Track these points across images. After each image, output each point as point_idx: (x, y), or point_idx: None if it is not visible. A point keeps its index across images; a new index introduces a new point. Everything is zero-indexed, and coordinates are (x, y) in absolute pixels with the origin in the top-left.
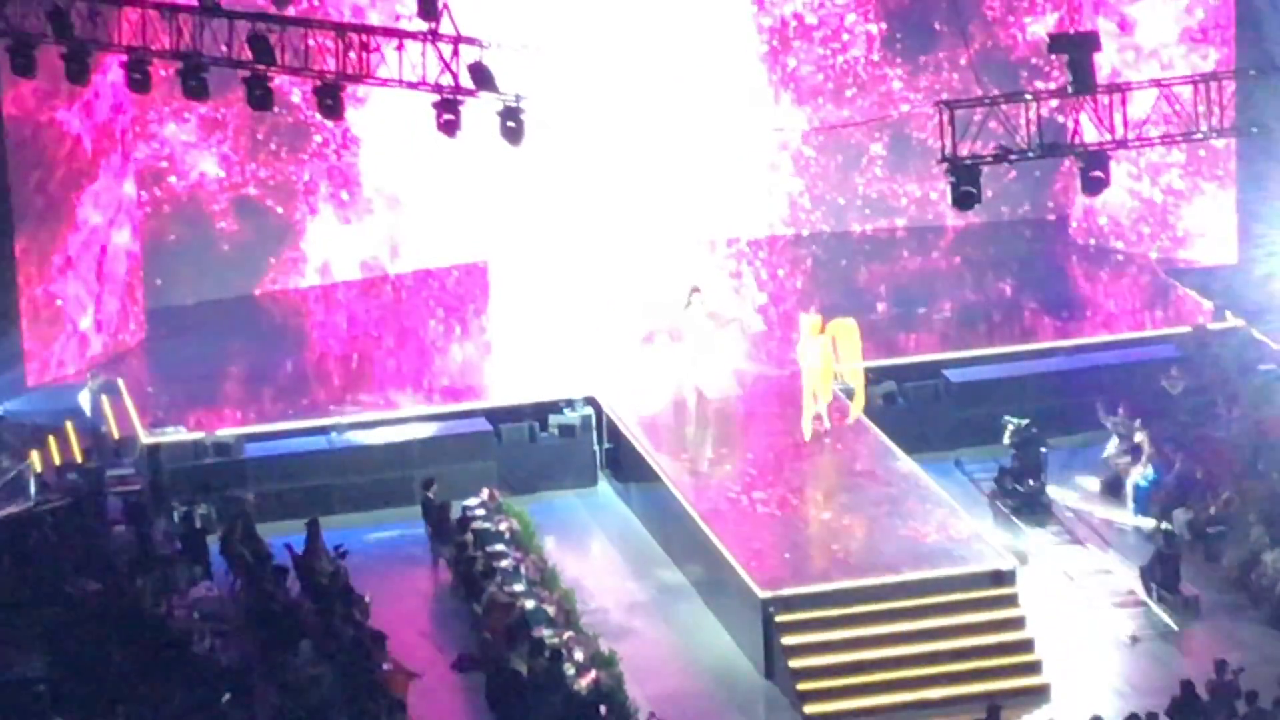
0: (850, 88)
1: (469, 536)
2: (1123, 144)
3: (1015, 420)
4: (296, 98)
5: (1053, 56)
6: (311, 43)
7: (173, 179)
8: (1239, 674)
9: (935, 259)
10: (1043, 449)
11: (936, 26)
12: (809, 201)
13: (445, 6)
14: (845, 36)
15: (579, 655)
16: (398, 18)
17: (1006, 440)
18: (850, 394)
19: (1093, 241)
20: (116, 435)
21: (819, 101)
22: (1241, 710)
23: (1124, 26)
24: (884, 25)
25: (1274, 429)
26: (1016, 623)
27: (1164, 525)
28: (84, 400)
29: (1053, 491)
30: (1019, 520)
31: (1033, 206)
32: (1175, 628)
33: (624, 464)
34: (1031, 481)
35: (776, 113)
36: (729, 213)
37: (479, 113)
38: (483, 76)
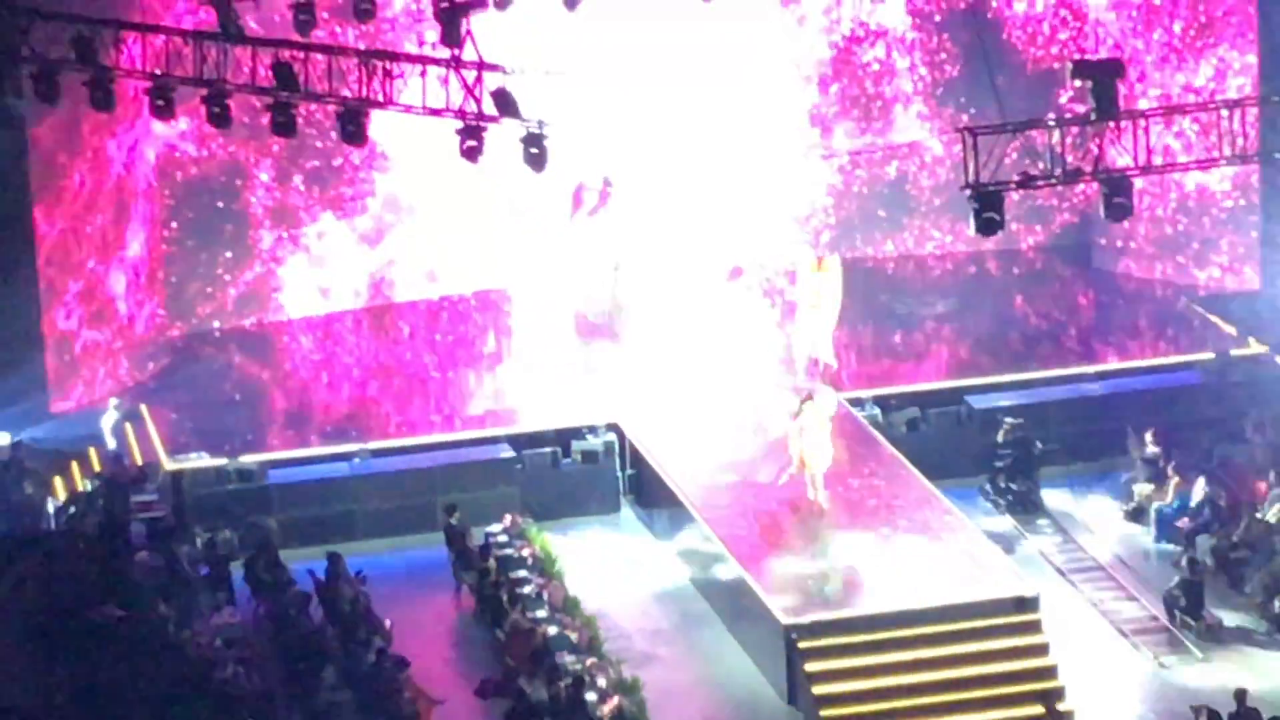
0: (878, 117)
1: (491, 563)
2: (1146, 170)
3: (1009, 420)
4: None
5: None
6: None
7: (188, 213)
8: (1244, 695)
9: (960, 283)
10: (1035, 448)
11: (964, 55)
12: (835, 228)
13: (468, 33)
14: (875, 67)
15: (601, 682)
16: (421, 44)
17: (1000, 439)
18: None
19: (1116, 266)
20: (139, 461)
21: (847, 128)
22: None
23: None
24: (916, 57)
25: None
26: (1039, 649)
27: (1187, 551)
28: (106, 426)
29: (1077, 517)
30: (1011, 517)
31: (1054, 231)
32: (1198, 654)
33: (647, 490)
34: (1024, 480)
35: (803, 139)
36: (754, 238)
37: (502, 138)
38: (506, 103)
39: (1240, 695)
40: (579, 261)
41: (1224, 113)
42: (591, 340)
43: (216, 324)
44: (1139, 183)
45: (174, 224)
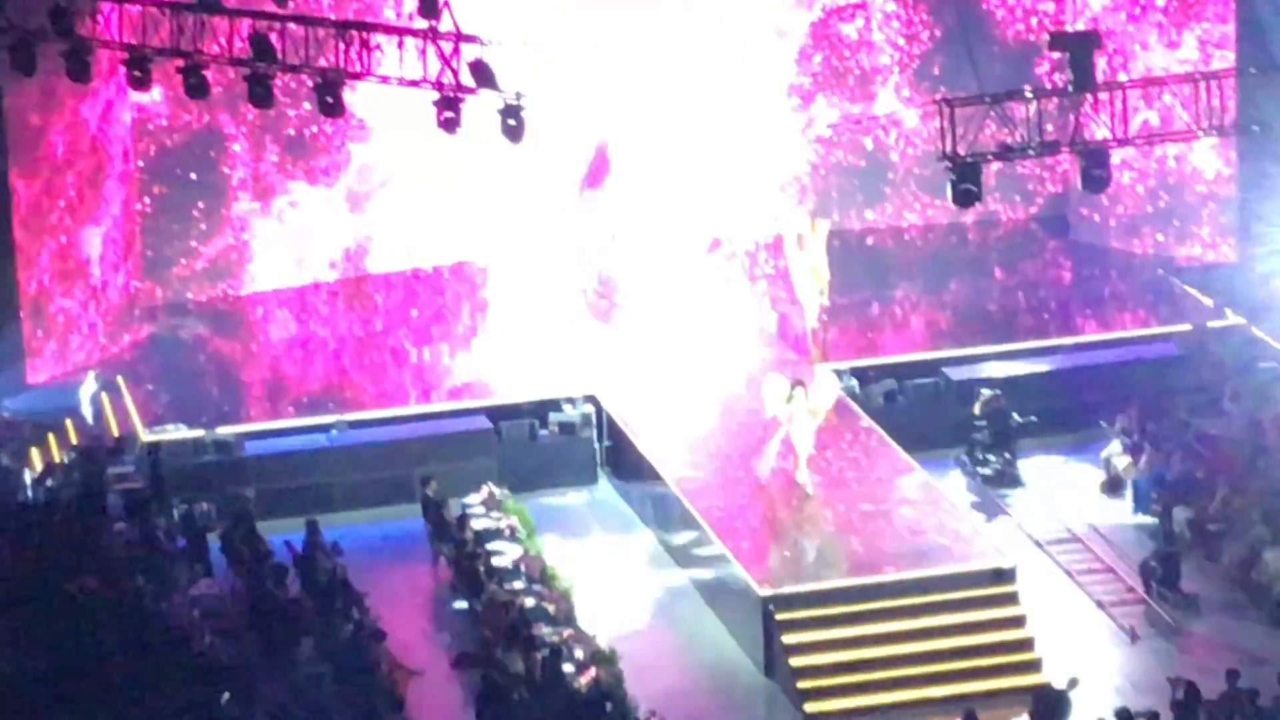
0: (857, 89)
1: (469, 534)
2: (1124, 142)
3: (986, 390)
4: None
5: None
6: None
7: (162, 181)
8: (1236, 676)
9: (938, 255)
10: (1012, 420)
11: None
12: (814, 200)
13: (446, 4)
14: (854, 37)
15: (579, 653)
16: (399, 14)
17: (977, 410)
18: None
19: (1096, 239)
20: (116, 433)
21: (827, 100)
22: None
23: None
24: (894, 28)
25: (1274, 427)
26: (1016, 621)
27: (1164, 523)
28: (84, 398)
29: (1054, 489)
30: (988, 488)
31: (1034, 204)
32: (1175, 625)
33: (624, 462)
34: (1002, 452)
35: (782, 111)
36: (732, 212)
37: (480, 110)
38: (483, 74)
39: (1232, 675)
40: (565, 234)
41: (1202, 85)
42: (605, 317)
43: (191, 294)
44: (1116, 157)
45: (148, 194)
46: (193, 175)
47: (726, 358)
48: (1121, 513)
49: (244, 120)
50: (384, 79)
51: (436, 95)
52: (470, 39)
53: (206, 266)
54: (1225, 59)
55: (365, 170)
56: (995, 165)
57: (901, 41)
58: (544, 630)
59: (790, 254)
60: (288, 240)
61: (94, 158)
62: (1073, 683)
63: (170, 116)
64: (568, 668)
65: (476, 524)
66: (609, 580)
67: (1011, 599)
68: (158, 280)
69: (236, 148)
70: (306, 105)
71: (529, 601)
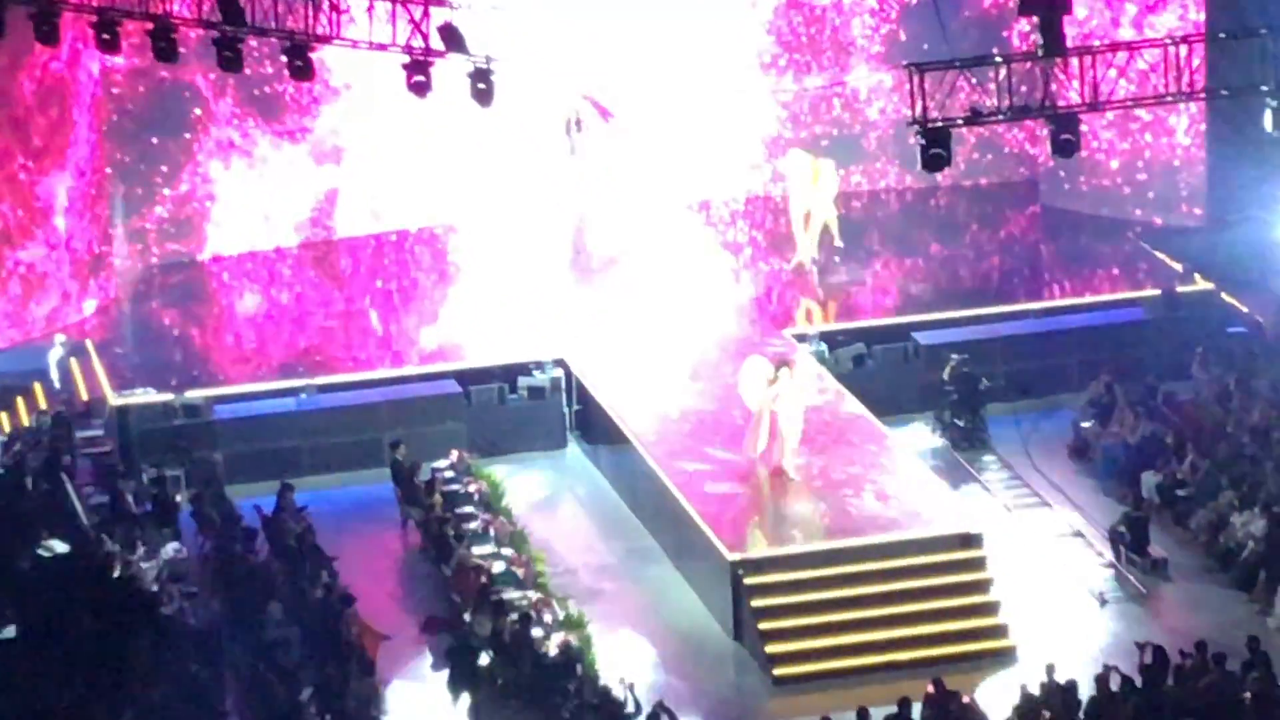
0: (829, 53)
1: (438, 498)
2: (1094, 106)
3: (954, 356)
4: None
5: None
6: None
7: (129, 142)
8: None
9: (907, 219)
10: (980, 384)
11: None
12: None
13: None
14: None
15: (548, 617)
16: None
17: (945, 376)
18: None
19: (1066, 204)
20: (85, 397)
21: (798, 65)
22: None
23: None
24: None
25: (1242, 392)
26: (984, 585)
27: (1132, 488)
28: (52, 361)
29: (1022, 453)
30: (958, 454)
31: (1004, 168)
32: (1143, 590)
33: (593, 426)
34: (970, 416)
35: (754, 77)
36: (706, 175)
37: (450, 73)
38: (453, 38)
39: (1201, 647)
40: (534, 197)
41: (1172, 50)
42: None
43: (157, 256)
44: (1083, 127)
45: (114, 149)
46: (158, 133)
47: (696, 321)
48: (1089, 477)
49: (213, 82)
50: (353, 43)
51: (406, 59)
52: (439, 2)
53: (173, 227)
54: (1196, 22)
55: (334, 132)
56: (967, 130)
57: (873, 3)
58: (513, 595)
59: (795, 199)
60: (258, 203)
61: (61, 105)
62: (1050, 669)
63: (137, 71)
64: (536, 632)
65: (446, 488)
66: (578, 544)
67: (979, 564)
68: (125, 239)
69: (198, 111)
70: (269, 67)
71: (498, 566)
